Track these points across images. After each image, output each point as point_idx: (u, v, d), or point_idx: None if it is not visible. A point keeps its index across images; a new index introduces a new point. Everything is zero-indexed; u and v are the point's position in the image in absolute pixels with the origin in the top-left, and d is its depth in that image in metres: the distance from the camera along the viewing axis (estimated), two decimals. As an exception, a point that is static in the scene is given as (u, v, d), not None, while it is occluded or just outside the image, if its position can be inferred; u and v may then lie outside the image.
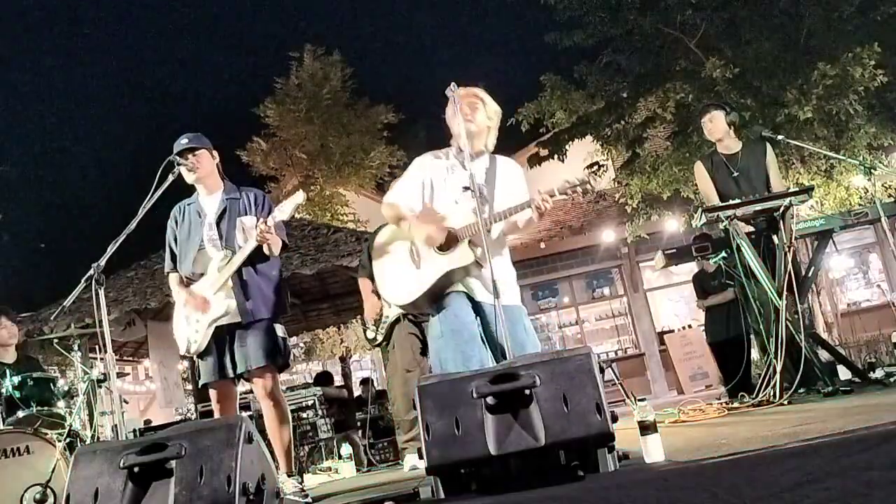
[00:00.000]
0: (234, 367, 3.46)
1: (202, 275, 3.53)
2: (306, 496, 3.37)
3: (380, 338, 4.67)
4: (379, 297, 4.53)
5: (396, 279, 3.09)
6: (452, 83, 3.01)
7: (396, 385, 4.64)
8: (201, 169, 3.59)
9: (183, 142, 3.56)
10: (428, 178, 3.11)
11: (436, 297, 2.98)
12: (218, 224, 3.57)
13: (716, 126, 4.69)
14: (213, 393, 3.56)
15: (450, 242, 2.96)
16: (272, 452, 3.19)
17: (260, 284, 3.53)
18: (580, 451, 2.02)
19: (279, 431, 3.52)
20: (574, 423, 2.02)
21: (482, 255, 2.85)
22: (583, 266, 14.14)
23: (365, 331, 4.81)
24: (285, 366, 3.66)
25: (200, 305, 3.46)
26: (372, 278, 4.63)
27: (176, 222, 3.68)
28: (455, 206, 3.02)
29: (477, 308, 2.97)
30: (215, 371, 3.47)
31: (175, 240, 3.67)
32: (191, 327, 3.51)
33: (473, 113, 3.06)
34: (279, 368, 3.58)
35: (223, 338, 3.48)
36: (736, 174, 4.57)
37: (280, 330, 3.56)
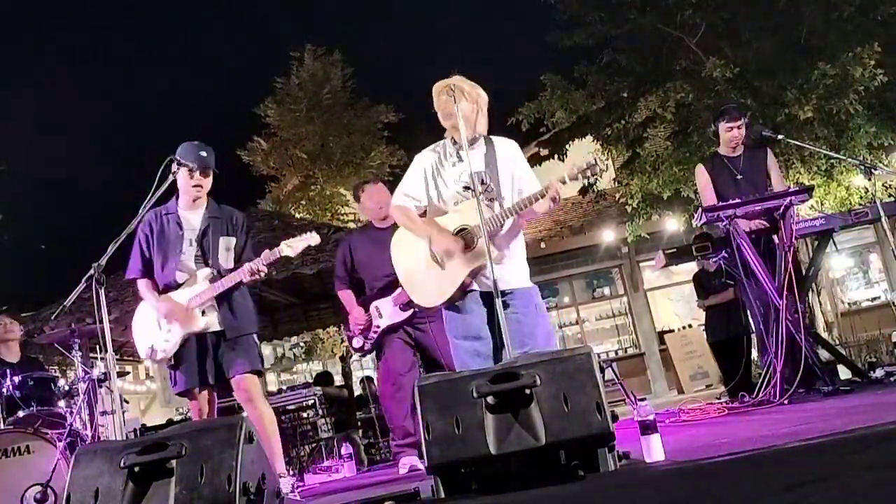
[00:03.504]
0: (216, 374, 3.54)
1: (179, 286, 3.58)
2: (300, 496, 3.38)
3: (368, 345, 4.61)
4: (365, 308, 4.56)
5: (425, 282, 3.14)
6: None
7: (389, 390, 4.55)
8: (206, 189, 3.65)
9: (203, 155, 3.57)
10: (430, 173, 3.19)
11: (464, 291, 3.06)
12: (201, 241, 3.62)
13: (742, 135, 4.65)
14: (194, 400, 3.61)
15: (468, 244, 3.02)
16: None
17: (242, 301, 3.65)
18: (580, 451, 2.02)
19: (268, 434, 3.55)
20: (574, 422, 2.02)
21: (498, 249, 3.00)
22: (583, 266, 14.12)
23: (351, 339, 4.74)
24: (262, 372, 3.83)
25: (183, 316, 3.51)
26: (360, 288, 4.70)
27: (151, 230, 3.67)
28: (461, 200, 3.09)
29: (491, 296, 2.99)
30: (195, 378, 3.55)
31: (148, 247, 3.68)
32: (161, 335, 3.56)
33: (457, 102, 3.05)
34: (258, 374, 3.69)
35: (204, 346, 3.55)
36: (739, 177, 4.57)
37: (256, 339, 3.69)
